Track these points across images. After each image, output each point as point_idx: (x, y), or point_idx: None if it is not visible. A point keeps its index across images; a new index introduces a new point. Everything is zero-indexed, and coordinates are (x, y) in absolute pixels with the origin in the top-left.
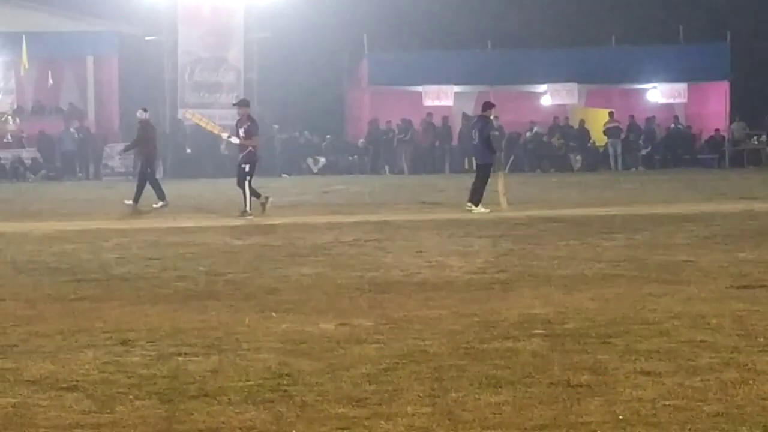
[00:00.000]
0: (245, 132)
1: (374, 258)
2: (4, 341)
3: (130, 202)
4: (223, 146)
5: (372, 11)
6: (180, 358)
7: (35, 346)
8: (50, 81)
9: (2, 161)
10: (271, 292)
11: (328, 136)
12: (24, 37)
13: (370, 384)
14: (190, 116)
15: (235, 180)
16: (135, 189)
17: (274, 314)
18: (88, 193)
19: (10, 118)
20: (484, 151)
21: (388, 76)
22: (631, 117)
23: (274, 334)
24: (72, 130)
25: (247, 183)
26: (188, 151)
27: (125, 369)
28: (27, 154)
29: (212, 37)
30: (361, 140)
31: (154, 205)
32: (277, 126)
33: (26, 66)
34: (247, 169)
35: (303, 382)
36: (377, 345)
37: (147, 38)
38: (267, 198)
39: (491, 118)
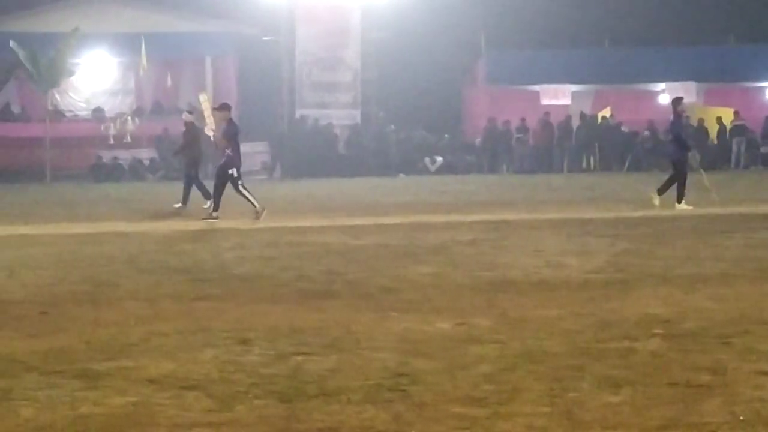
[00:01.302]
0: (223, 134)
1: (492, 257)
2: (125, 340)
3: (179, 204)
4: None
5: (489, 10)
6: (299, 358)
7: (155, 345)
8: (169, 82)
9: (121, 161)
10: (389, 291)
11: (445, 136)
12: (143, 38)
13: (488, 383)
14: (203, 101)
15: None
16: (182, 191)
17: (392, 314)
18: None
19: (129, 118)
20: (677, 147)
21: (505, 75)
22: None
23: (392, 334)
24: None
25: (241, 187)
26: (306, 151)
27: (244, 368)
28: (146, 154)
29: (330, 37)
30: (479, 139)
31: (204, 206)
32: (393, 126)
33: (145, 67)
34: (234, 173)
35: (421, 381)
36: (495, 344)
37: (265, 38)
38: (213, 214)
39: (683, 113)
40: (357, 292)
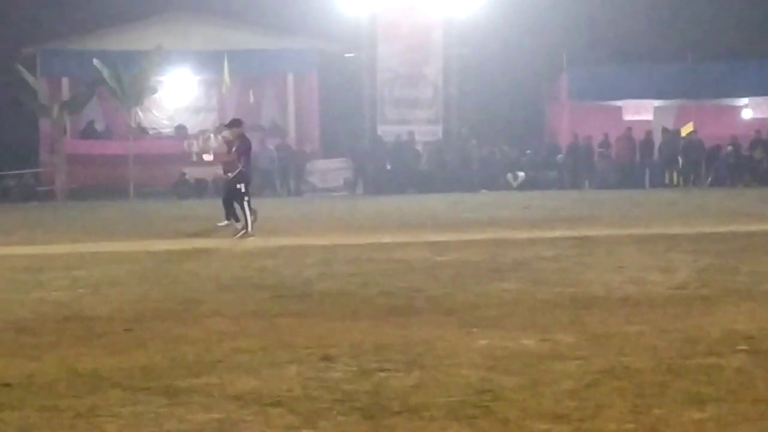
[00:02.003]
0: (236, 151)
1: (575, 273)
2: (209, 357)
3: (224, 222)
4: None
5: (571, 26)
6: (382, 374)
7: (239, 362)
8: (251, 99)
9: (204, 178)
10: (472, 307)
11: (527, 151)
12: (226, 55)
13: (572, 400)
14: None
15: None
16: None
17: (475, 330)
18: (288, 209)
19: (212, 135)
20: None
21: (587, 90)
22: None
23: (475, 350)
24: (271, 147)
25: (245, 203)
26: (388, 167)
27: (328, 384)
28: None
29: (411, 53)
30: (561, 155)
31: (219, 224)
32: (475, 141)
33: (228, 84)
34: (243, 189)
35: (505, 397)
36: (579, 361)
37: (347, 55)
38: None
39: None
40: (440, 309)
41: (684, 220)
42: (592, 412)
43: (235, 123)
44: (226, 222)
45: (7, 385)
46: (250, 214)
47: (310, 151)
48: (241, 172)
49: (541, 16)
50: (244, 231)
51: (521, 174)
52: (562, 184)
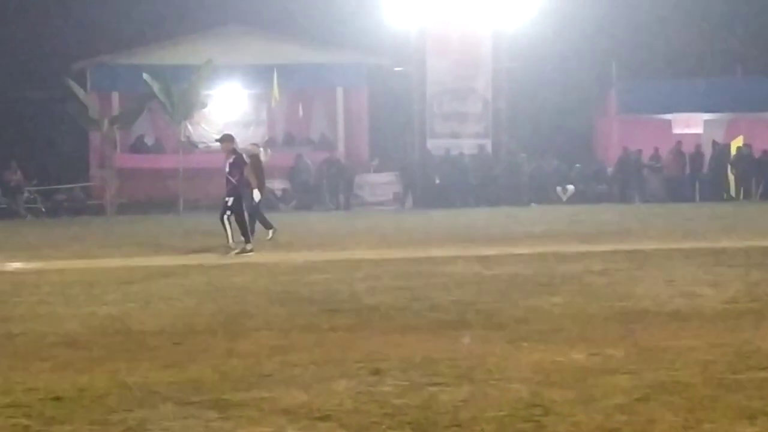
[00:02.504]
0: (230, 166)
1: (625, 287)
2: (260, 371)
3: (270, 232)
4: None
5: (620, 40)
6: (432, 388)
7: (289, 376)
8: (301, 112)
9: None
10: (522, 321)
11: (576, 165)
12: (275, 69)
13: (622, 414)
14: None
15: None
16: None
17: (524, 344)
18: (338, 223)
19: (261, 149)
20: None
21: (636, 104)
22: None
23: (525, 364)
24: (308, 161)
25: (226, 217)
26: (437, 181)
27: (378, 399)
28: (278, 184)
29: (460, 67)
30: (610, 168)
31: (267, 238)
32: (524, 155)
33: (277, 98)
34: (229, 203)
35: (555, 412)
36: (629, 375)
37: (396, 69)
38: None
39: None
40: (489, 323)
41: (734, 233)
42: (643, 427)
43: (226, 138)
44: (270, 233)
45: (58, 398)
46: (233, 230)
47: (358, 164)
48: (234, 186)
49: (591, 30)
50: (230, 246)
51: (570, 187)
52: (611, 198)
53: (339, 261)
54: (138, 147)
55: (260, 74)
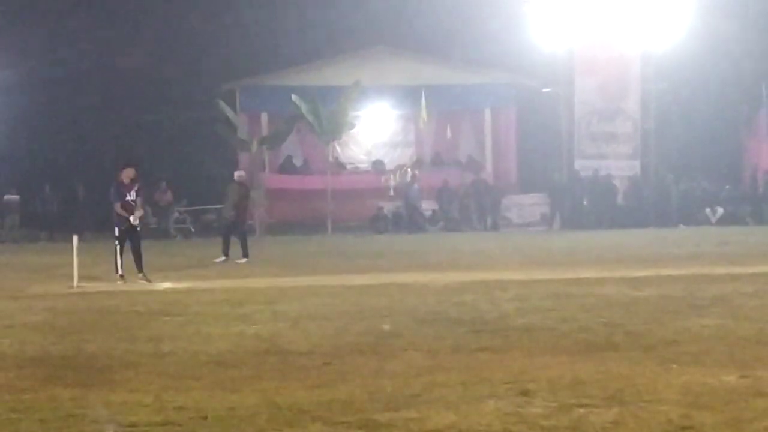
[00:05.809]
0: (136, 193)
1: None
2: (408, 391)
3: (244, 259)
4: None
5: None
6: (581, 410)
7: (437, 396)
8: (449, 133)
9: (401, 212)
10: (671, 343)
11: (726, 186)
12: (423, 90)
13: None
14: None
15: None
16: (240, 246)
17: (674, 366)
18: (486, 244)
19: (409, 170)
20: None
21: None
22: None
23: (674, 386)
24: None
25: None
26: (585, 202)
27: (526, 420)
28: (426, 205)
29: (609, 87)
30: (761, 189)
31: (216, 260)
32: (672, 176)
33: (425, 119)
34: (116, 233)
35: None
36: None
37: (544, 90)
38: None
39: None
40: (638, 344)
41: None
42: None
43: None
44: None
45: (204, 418)
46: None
47: (507, 185)
48: (118, 216)
49: (740, 51)
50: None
51: (720, 209)
52: (761, 220)
53: (487, 282)
54: (286, 167)
55: (408, 95)
